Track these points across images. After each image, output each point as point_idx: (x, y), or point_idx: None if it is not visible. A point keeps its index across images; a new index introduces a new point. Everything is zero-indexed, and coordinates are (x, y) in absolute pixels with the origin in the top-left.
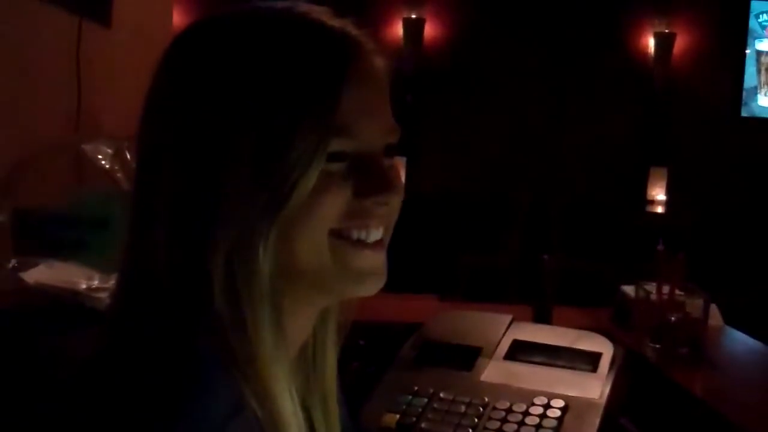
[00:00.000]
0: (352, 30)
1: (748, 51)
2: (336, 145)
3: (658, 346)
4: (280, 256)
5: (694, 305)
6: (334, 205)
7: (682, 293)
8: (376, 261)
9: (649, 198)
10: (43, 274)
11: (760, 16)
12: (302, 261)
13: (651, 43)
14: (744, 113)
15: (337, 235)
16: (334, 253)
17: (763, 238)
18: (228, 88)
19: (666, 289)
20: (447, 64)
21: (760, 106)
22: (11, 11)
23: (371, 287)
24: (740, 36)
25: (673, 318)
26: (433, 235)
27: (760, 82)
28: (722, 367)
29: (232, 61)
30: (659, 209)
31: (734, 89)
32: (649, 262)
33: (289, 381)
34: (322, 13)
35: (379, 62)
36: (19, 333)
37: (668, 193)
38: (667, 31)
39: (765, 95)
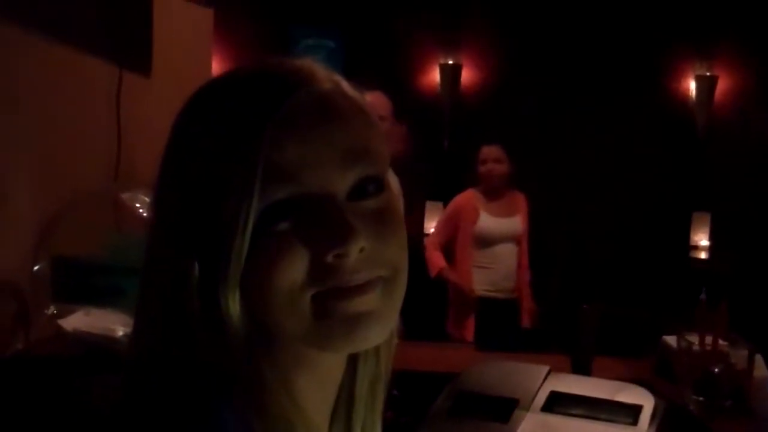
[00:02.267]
0: (294, 70)
1: None
2: (280, 193)
3: (701, 398)
4: (258, 318)
5: (738, 356)
6: (293, 270)
7: (725, 344)
8: (364, 304)
9: (692, 244)
10: (80, 321)
11: None
12: (283, 322)
13: (692, 86)
14: None
15: (320, 299)
16: (315, 310)
17: None
18: (187, 149)
19: (709, 339)
20: (484, 109)
21: None
22: (52, 63)
23: (366, 335)
24: None
25: (716, 369)
26: None
27: None
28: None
29: (192, 123)
30: (702, 255)
31: None
32: (691, 310)
33: None
34: (285, 63)
35: (324, 91)
36: (57, 379)
37: (711, 238)
38: (708, 74)
39: None
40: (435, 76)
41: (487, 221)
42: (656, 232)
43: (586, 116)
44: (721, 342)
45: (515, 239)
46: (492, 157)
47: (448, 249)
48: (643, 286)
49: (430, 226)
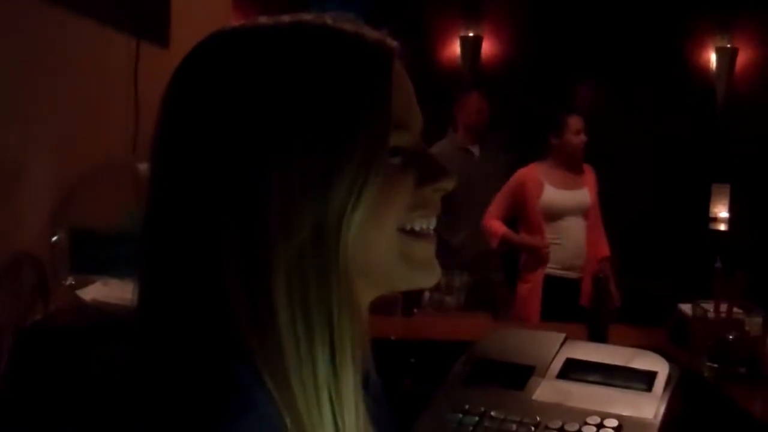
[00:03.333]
0: (384, 36)
1: None
2: (393, 140)
3: (716, 365)
4: (353, 255)
5: (753, 323)
6: (399, 198)
7: (740, 311)
8: (433, 251)
9: (712, 215)
10: (99, 291)
11: None
12: (373, 257)
13: (713, 58)
14: None
15: (402, 228)
16: (402, 247)
17: None
18: (290, 93)
19: (724, 307)
20: (504, 81)
21: None
22: (70, 34)
23: (434, 277)
24: None
25: (731, 336)
26: None
27: None
28: None
29: (288, 68)
30: (722, 227)
31: None
32: (709, 280)
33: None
34: (353, 23)
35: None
36: (76, 349)
37: (731, 210)
38: (729, 46)
39: None
40: (456, 48)
41: (553, 194)
42: (676, 204)
43: (606, 89)
44: (735, 310)
45: (583, 212)
46: (580, 128)
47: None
48: (663, 257)
49: None
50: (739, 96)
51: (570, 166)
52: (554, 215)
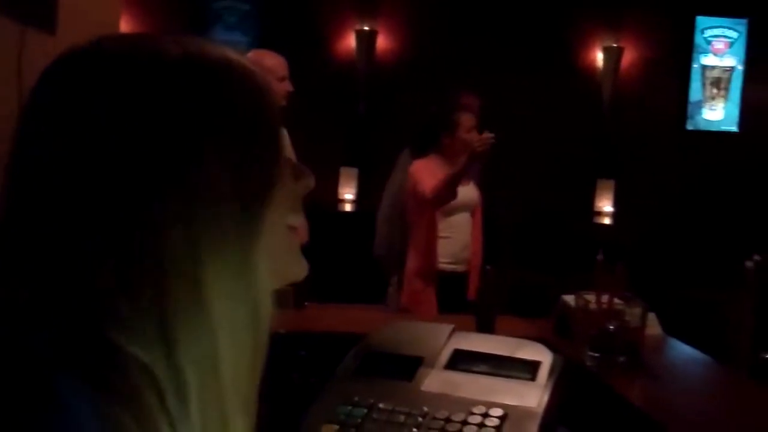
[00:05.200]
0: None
1: (694, 66)
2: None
3: (597, 354)
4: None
5: (633, 314)
6: (288, 197)
7: (621, 302)
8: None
9: (597, 210)
10: None
11: (706, 31)
12: (272, 249)
13: (599, 57)
14: (689, 126)
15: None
16: (288, 241)
17: (706, 249)
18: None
19: (605, 298)
20: (399, 75)
21: (705, 120)
22: None
23: (306, 269)
24: (686, 51)
25: (611, 327)
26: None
27: (705, 97)
28: (660, 375)
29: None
30: (606, 221)
31: (680, 103)
32: (592, 272)
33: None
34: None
35: None
36: None
37: (615, 204)
38: (615, 45)
39: (710, 109)
40: (351, 42)
41: None
42: (563, 199)
43: (497, 86)
44: (616, 300)
45: (471, 209)
46: (472, 126)
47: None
48: (551, 250)
49: (345, 192)
50: (624, 94)
51: (455, 161)
52: (447, 211)
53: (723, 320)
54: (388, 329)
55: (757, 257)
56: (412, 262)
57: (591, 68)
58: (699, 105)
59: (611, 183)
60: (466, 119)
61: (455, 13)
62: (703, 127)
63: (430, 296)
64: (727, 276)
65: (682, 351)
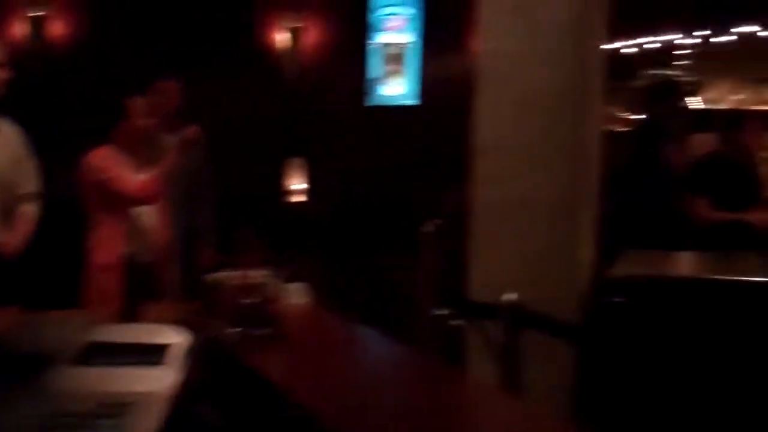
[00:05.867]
0: None
1: (371, 43)
2: None
3: (239, 329)
4: None
5: (272, 287)
6: None
7: (261, 275)
8: None
9: (288, 188)
10: None
11: (380, 9)
12: None
13: (280, 37)
14: (369, 102)
15: None
16: None
17: (394, 218)
18: None
19: (242, 273)
20: (74, 62)
21: (384, 96)
22: None
23: None
24: (362, 30)
25: (248, 301)
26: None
27: (384, 73)
28: (301, 347)
29: None
30: (299, 198)
31: (360, 80)
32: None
33: None
34: None
35: None
36: None
37: (308, 182)
38: (295, 26)
39: (389, 85)
40: (23, 27)
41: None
42: (256, 180)
43: (182, 70)
44: (255, 274)
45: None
46: (146, 112)
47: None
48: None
49: None
50: (306, 73)
51: (138, 150)
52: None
53: (408, 284)
54: (20, 328)
55: (436, 221)
56: (97, 257)
57: (273, 48)
58: (378, 81)
59: (301, 161)
60: (140, 105)
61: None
62: (383, 102)
63: (116, 289)
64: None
65: (330, 320)
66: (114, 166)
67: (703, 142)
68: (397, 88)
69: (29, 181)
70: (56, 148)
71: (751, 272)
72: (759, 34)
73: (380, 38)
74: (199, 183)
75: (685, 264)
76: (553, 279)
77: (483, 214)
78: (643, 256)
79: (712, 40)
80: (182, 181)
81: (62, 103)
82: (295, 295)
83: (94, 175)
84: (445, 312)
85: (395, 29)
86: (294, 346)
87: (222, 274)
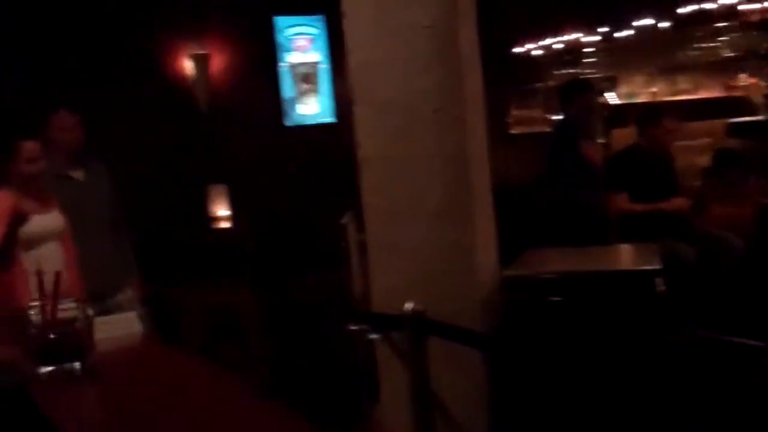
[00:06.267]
0: None
1: (281, 64)
2: None
3: (49, 367)
4: None
5: (82, 318)
6: None
7: (71, 307)
8: None
9: (212, 215)
10: None
11: (286, 30)
12: None
13: (188, 65)
14: (287, 123)
15: None
16: None
17: (321, 235)
18: None
19: (49, 308)
20: None
21: (300, 114)
22: None
23: None
24: (270, 51)
25: (53, 335)
26: None
27: (297, 93)
28: (107, 382)
29: None
30: (224, 224)
31: (274, 102)
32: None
33: None
34: None
35: None
36: None
37: (231, 207)
38: (201, 52)
39: (304, 104)
40: None
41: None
42: (179, 208)
43: (93, 102)
44: (66, 307)
45: (58, 237)
46: (34, 156)
47: None
48: (168, 261)
49: None
50: (218, 99)
51: (33, 192)
52: (28, 244)
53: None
54: None
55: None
56: None
57: (182, 76)
58: (293, 101)
59: (223, 187)
60: (28, 147)
61: (40, 30)
62: (299, 121)
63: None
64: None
65: (154, 353)
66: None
67: (621, 137)
68: (312, 107)
69: None
70: None
71: (619, 263)
72: (659, 26)
73: (290, 58)
74: (111, 215)
75: (567, 258)
76: (453, 284)
77: (374, 224)
78: (546, 253)
79: (615, 35)
80: (90, 216)
81: None
82: (125, 326)
83: None
84: (359, 326)
85: (303, 49)
86: (102, 380)
87: (32, 309)
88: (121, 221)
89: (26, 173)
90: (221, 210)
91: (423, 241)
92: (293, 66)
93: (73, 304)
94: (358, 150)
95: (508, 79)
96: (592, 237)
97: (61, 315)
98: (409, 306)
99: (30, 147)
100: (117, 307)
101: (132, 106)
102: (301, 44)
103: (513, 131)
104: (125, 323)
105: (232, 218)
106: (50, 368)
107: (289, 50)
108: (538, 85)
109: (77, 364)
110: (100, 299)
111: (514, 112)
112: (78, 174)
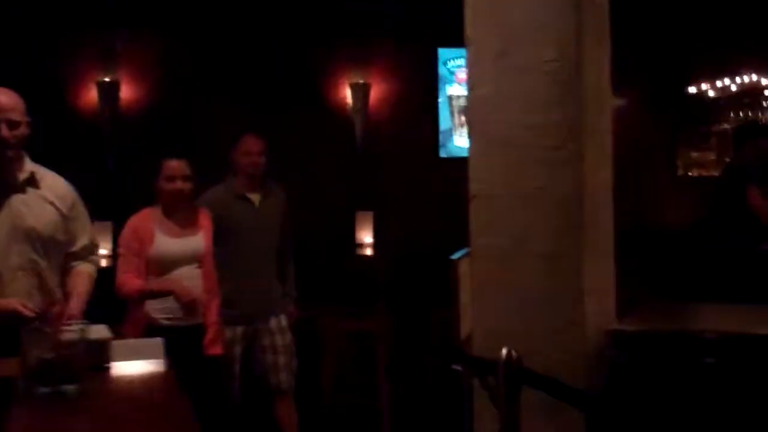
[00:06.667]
0: None
1: (441, 96)
2: None
3: (47, 388)
4: None
5: (80, 343)
6: None
7: (77, 329)
8: None
9: (358, 241)
10: None
11: (448, 62)
12: None
13: (348, 93)
14: (442, 154)
15: None
16: None
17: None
18: None
19: (53, 328)
20: (147, 126)
21: (456, 147)
22: None
23: None
24: (432, 82)
25: (50, 356)
26: None
27: (454, 124)
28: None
29: None
30: (367, 251)
31: (432, 132)
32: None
33: None
34: None
35: None
36: None
37: (375, 235)
38: (362, 81)
39: (460, 136)
40: (93, 94)
41: (164, 242)
42: (326, 233)
43: (250, 127)
44: (69, 328)
45: (197, 259)
46: (181, 174)
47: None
48: (315, 284)
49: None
50: (376, 128)
51: (179, 212)
52: (166, 266)
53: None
54: None
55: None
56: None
57: (341, 106)
58: (449, 133)
59: (370, 214)
60: (170, 166)
61: (199, 59)
62: (455, 153)
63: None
64: None
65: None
66: (148, 229)
67: None
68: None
69: (83, 234)
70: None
71: None
72: None
73: (450, 90)
74: (283, 238)
75: (713, 316)
76: (556, 333)
77: (479, 263)
78: (664, 308)
79: None
80: (262, 239)
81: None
82: (146, 353)
83: (134, 236)
84: (460, 367)
85: (464, 81)
86: (92, 404)
87: (36, 328)
88: (290, 247)
89: (166, 191)
90: (367, 237)
91: (527, 283)
92: (453, 98)
93: (76, 327)
94: (470, 186)
95: (682, 120)
96: (749, 291)
97: (64, 337)
98: (503, 352)
99: (172, 165)
100: (266, 332)
101: (293, 131)
102: (463, 77)
103: (683, 173)
104: (148, 350)
105: (374, 245)
106: (46, 389)
107: (450, 82)
108: (714, 127)
109: (71, 387)
110: (251, 322)
111: (687, 154)
112: (256, 197)
